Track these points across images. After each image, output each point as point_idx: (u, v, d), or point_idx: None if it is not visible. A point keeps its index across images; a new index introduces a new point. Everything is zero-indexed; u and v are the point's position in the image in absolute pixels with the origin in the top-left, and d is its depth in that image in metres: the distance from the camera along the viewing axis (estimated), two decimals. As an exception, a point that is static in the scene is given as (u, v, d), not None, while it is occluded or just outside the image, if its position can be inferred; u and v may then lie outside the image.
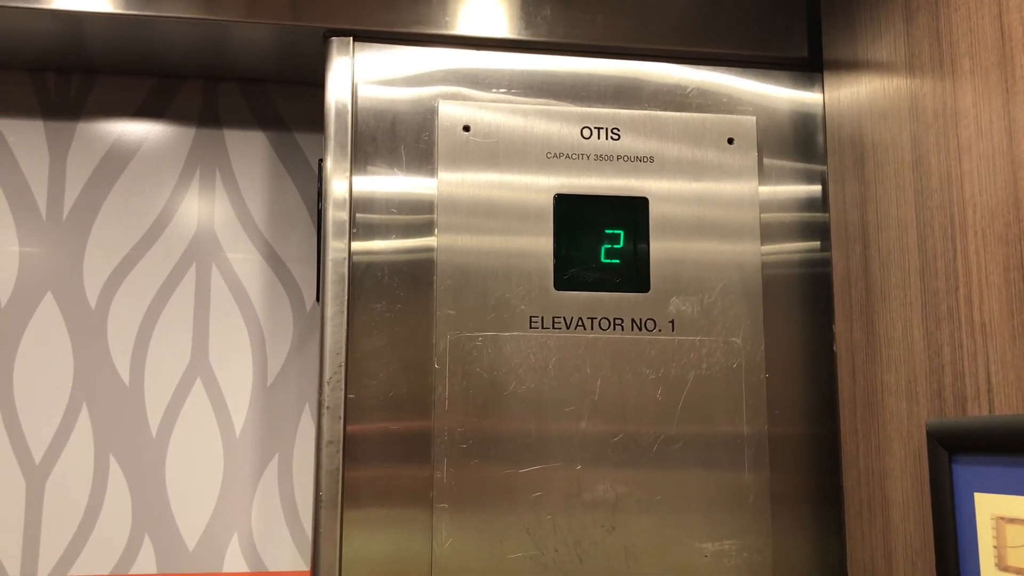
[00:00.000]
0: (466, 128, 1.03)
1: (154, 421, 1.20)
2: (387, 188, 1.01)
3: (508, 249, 1.01)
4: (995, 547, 0.74)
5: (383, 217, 1.01)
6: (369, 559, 0.95)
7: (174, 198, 1.25)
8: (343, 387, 0.97)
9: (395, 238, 1.01)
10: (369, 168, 1.01)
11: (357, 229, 1.00)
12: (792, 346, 1.05)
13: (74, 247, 1.22)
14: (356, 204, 1.00)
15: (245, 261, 1.25)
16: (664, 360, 1.02)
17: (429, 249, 1.00)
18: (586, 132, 1.05)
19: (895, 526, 0.91)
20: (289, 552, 1.20)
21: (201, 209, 1.25)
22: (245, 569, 1.19)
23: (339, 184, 1.00)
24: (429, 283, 1.00)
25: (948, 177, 0.84)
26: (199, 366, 1.22)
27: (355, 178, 1.01)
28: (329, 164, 1.00)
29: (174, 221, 1.24)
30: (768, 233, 1.06)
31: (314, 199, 1.26)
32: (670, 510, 0.99)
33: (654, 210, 1.04)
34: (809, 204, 1.08)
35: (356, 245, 0.99)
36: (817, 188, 1.09)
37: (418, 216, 1.01)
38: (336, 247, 0.99)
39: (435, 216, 1.01)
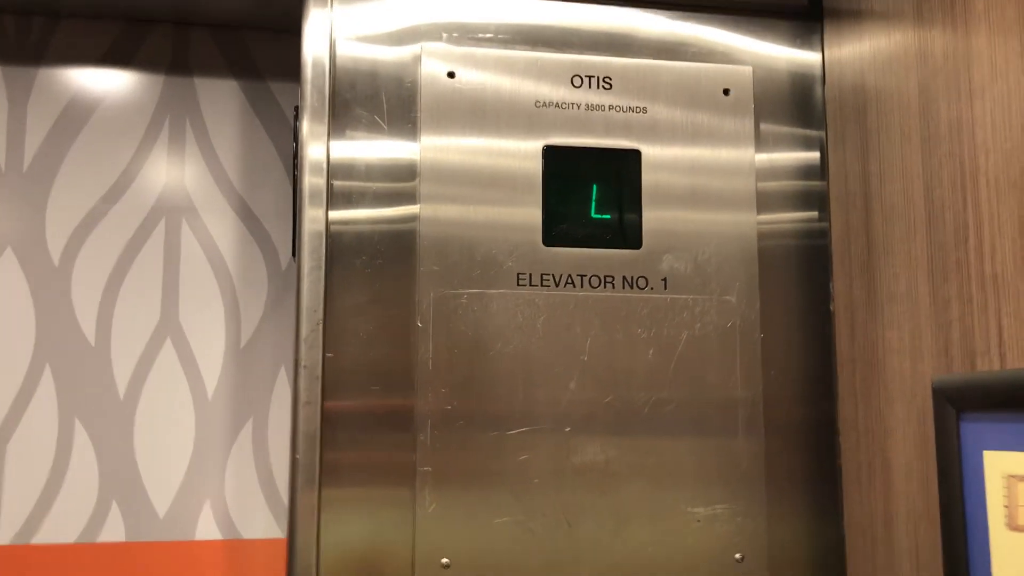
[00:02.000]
0: (451, 75, 0.98)
1: (122, 383, 1.15)
2: (367, 151, 0.96)
3: (496, 203, 0.97)
4: (1006, 506, 0.72)
5: (363, 184, 0.95)
6: (348, 525, 0.91)
7: (142, 149, 1.20)
8: (321, 345, 0.92)
9: (377, 192, 0.96)
10: (347, 132, 0.96)
11: (334, 188, 0.95)
12: (788, 306, 1.02)
13: (36, 200, 1.17)
14: (334, 168, 0.95)
15: (216, 216, 1.20)
16: (656, 319, 0.98)
17: (412, 204, 0.96)
18: (576, 81, 1.00)
19: (896, 489, 0.88)
20: (264, 519, 1.16)
21: (170, 161, 1.20)
22: (218, 537, 1.15)
23: (316, 148, 0.95)
24: (412, 237, 0.95)
25: (958, 123, 0.80)
26: (169, 326, 1.17)
27: (333, 143, 0.95)
28: (305, 127, 0.95)
29: (142, 174, 1.19)
30: (764, 199, 1.03)
31: (289, 152, 1.21)
32: (661, 474, 0.96)
33: (647, 163, 1.00)
34: (807, 172, 1.05)
35: (334, 213, 0.95)
36: (815, 155, 1.05)
37: (401, 179, 0.96)
38: (313, 216, 0.94)
39: (418, 170, 0.96)
